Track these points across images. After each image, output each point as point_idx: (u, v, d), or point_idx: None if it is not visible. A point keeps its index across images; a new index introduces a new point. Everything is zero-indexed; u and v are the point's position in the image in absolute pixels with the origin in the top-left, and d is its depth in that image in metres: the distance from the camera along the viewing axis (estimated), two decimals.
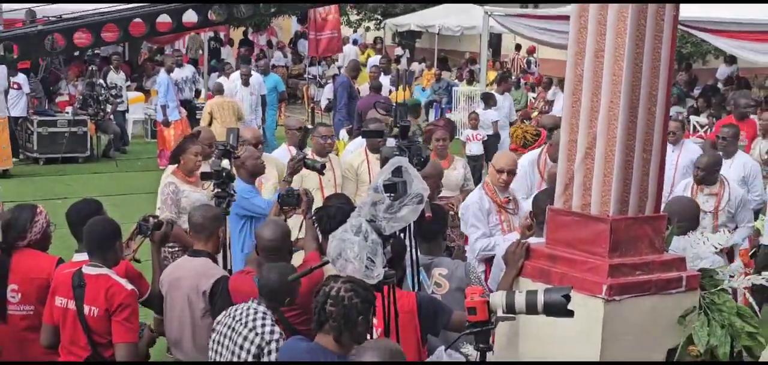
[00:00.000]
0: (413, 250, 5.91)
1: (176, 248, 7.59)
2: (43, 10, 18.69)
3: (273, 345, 5.24)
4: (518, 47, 29.78)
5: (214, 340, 5.53)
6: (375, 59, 26.12)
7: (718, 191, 9.12)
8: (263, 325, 5.30)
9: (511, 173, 8.11)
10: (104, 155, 19.63)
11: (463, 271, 6.18)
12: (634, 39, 5.14)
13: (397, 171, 4.93)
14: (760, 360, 5.29)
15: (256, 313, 5.35)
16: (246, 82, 17.97)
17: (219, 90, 17.54)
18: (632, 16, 5.13)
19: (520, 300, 4.66)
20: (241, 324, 5.34)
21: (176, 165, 8.12)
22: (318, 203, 7.77)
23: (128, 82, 22.72)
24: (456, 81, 26.57)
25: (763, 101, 18.73)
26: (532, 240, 5.83)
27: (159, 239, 6.52)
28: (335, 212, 6.30)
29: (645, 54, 5.20)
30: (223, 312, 5.56)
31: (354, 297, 4.67)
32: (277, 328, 5.32)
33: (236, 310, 5.46)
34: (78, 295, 5.77)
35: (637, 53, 5.17)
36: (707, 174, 9.11)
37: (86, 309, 5.76)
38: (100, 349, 5.78)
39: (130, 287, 5.89)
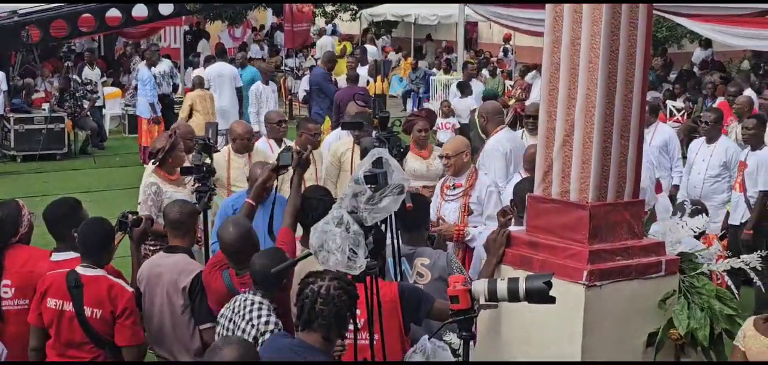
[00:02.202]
0: (395, 240, 5.94)
1: (156, 246, 7.54)
2: (14, 7, 18.69)
3: (267, 336, 5.24)
4: None
5: (219, 334, 5.52)
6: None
7: None
8: (259, 316, 5.29)
9: (448, 157, 8.24)
10: (82, 151, 19.56)
11: (444, 261, 6.21)
12: (609, 27, 5.18)
13: (378, 162, 4.95)
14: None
15: (252, 305, 5.35)
16: (266, 81, 17.10)
17: (200, 83, 17.36)
18: (607, 4, 5.17)
19: (502, 287, 4.70)
20: (239, 317, 5.35)
21: (157, 164, 8.01)
22: None
23: (104, 78, 22.62)
24: (434, 70, 26.61)
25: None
26: (513, 228, 5.87)
27: (138, 236, 6.51)
28: (317, 204, 6.27)
29: (621, 41, 5.24)
30: (225, 306, 5.55)
31: (343, 294, 4.70)
32: (272, 317, 5.30)
33: (235, 302, 5.46)
34: (76, 296, 5.71)
35: (613, 41, 5.21)
36: None
37: (88, 310, 5.72)
38: (108, 349, 5.79)
39: (130, 288, 5.90)
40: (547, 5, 5.48)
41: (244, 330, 5.28)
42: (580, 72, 5.26)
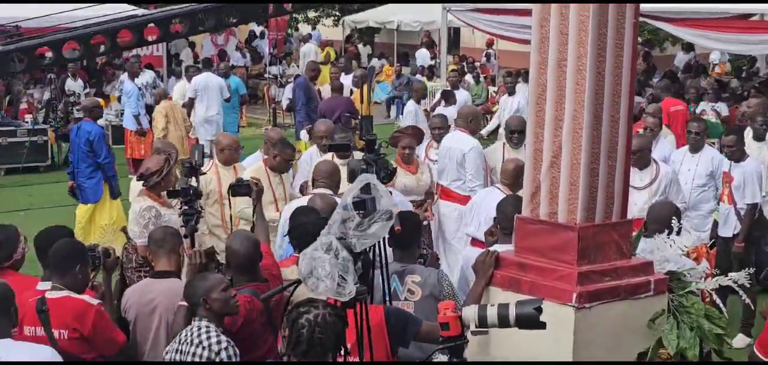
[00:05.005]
0: (383, 257, 5.92)
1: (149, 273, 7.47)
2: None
3: (223, 354, 5.28)
4: None
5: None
6: None
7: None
8: (209, 337, 5.33)
9: None
10: (65, 163, 19.43)
11: (435, 278, 6.18)
12: (595, 48, 5.20)
13: (366, 188, 4.94)
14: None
15: (199, 330, 5.38)
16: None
17: (164, 94, 17.21)
18: (593, 24, 5.18)
19: (492, 313, 4.70)
20: (187, 343, 5.35)
21: (146, 186, 7.85)
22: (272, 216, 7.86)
23: (87, 89, 22.50)
24: (418, 77, 26.55)
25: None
26: (501, 248, 5.86)
27: (112, 267, 6.48)
28: (313, 228, 6.20)
29: (607, 62, 5.26)
30: (173, 342, 5.54)
31: (337, 320, 4.71)
32: (223, 337, 5.36)
33: (181, 335, 5.48)
34: (44, 321, 5.69)
35: (599, 62, 5.23)
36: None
37: (56, 333, 5.70)
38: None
39: (96, 302, 5.84)
40: (533, 26, 5.49)
41: (194, 354, 5.30)
42: (566, 94, 5.27)
